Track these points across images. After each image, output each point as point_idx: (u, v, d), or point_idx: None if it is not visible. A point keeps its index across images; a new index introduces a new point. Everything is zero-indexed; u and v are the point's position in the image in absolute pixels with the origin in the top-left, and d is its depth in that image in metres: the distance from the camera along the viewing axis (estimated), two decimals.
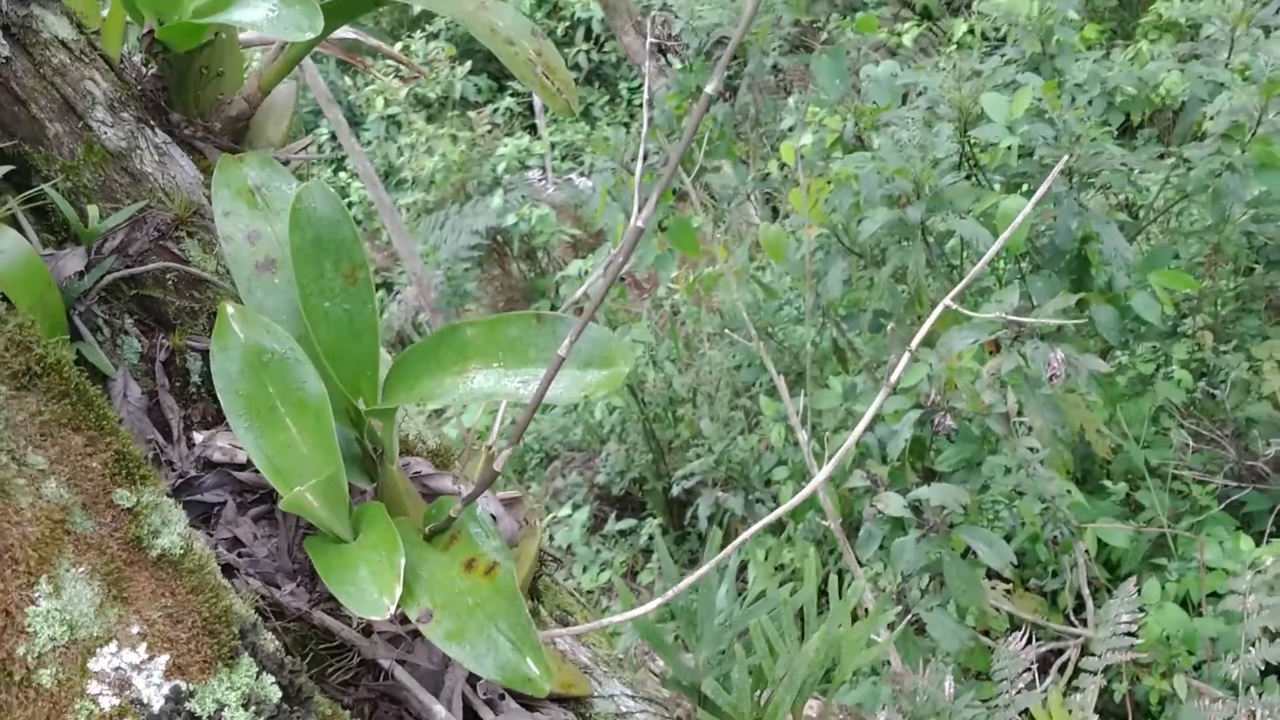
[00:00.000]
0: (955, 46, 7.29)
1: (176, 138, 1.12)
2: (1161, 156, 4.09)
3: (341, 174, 7.53)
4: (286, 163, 1.16)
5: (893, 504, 3.36)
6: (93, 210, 1.05)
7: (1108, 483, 3.93)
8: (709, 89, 0.78)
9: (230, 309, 0.89)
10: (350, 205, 7.80)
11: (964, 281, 1.33)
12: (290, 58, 1.14)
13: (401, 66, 7.69)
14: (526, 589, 1.03)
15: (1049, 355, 2.72)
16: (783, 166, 4.19)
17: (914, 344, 1.25)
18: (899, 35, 7.08)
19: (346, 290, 0.90)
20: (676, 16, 4.05)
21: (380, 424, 0.95)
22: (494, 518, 0.97)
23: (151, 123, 1.11)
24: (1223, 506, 3.84)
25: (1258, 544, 3.54)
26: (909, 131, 3.88)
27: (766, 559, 3.92)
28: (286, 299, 0.93)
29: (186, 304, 1.09)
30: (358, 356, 0.92)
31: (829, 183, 4.04)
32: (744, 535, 1.07)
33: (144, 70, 1.14)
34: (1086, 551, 3.47)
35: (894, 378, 1.22)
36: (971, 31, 7.12)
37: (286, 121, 1.17)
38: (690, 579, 0.99)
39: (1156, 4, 6.97)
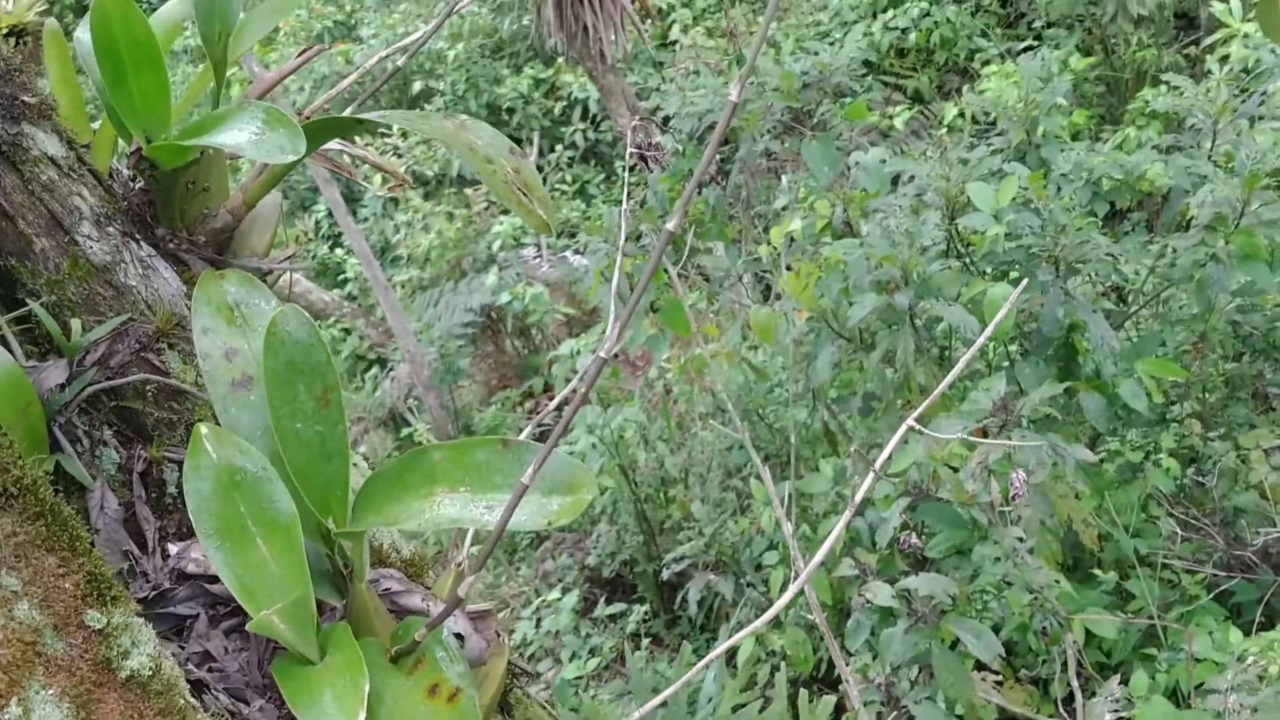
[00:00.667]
0: (946, 130, 7.42)
1: (161, 250, 1.14)
2: (1149, 242, 4.14)
3: (338, 250, 7.59)
4: (269, 273, 1.18)
5: (881, 594, 3.35)
6: (76, 324, 1.07)
7: (1097, 571, 3.92)
8: (669, 225, 0.81)
9: (204, 429, 0.91)
10: (346, 282, 7.86)
11: (950, 374, 1.35)
12: (275, 173, 1.17)
13: (399, 146, 7.79)
14: (494, 707, 1.03)
15: (1013, 475, 2.74)
16: (773, 250, 4.24)
17: (900, 434, 1.26)
18: (890, 119, 7.20)
19: (319, 413, 0.91)
20: (660, 125, 4.12)
21: (350, 544, 0.96)
22: (460, 638, 0.98)
23: (137, 236, 1.13)
24: (1212, 596, 3.83)
25: (1247, 634, 3.52)
26: (897, 219, 3.94)
27: (756, 644, 3.88)
28: (261, 417, 0.95)
29: (165, 415, 1.10)
30: (328, 477, 0.93)
31: (819, 266, 4.08)
32: (714, 652, 1.08)
33: (131, 184, 1.16)
34: (1076, 642, 3.45)
35: (879, 463, 1.23)
36: (961, 115, 7.24)
37: (270, 231, 1.20)
38: (659, 698, 0.99)
39: (1144, 91, 7.11)
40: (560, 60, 7.53)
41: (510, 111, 8.34)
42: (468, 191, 7.70)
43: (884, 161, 4.33)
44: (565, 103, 8.26)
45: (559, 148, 8.14)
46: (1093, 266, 3.91)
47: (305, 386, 0.91)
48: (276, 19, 1.29)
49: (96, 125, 1.25)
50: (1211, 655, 3.38)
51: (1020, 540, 3.41)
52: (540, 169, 8.17)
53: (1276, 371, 4.20)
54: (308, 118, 1.11)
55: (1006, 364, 4.08)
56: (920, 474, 3.67)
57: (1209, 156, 4.20)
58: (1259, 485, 3.93)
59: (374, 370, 7.53)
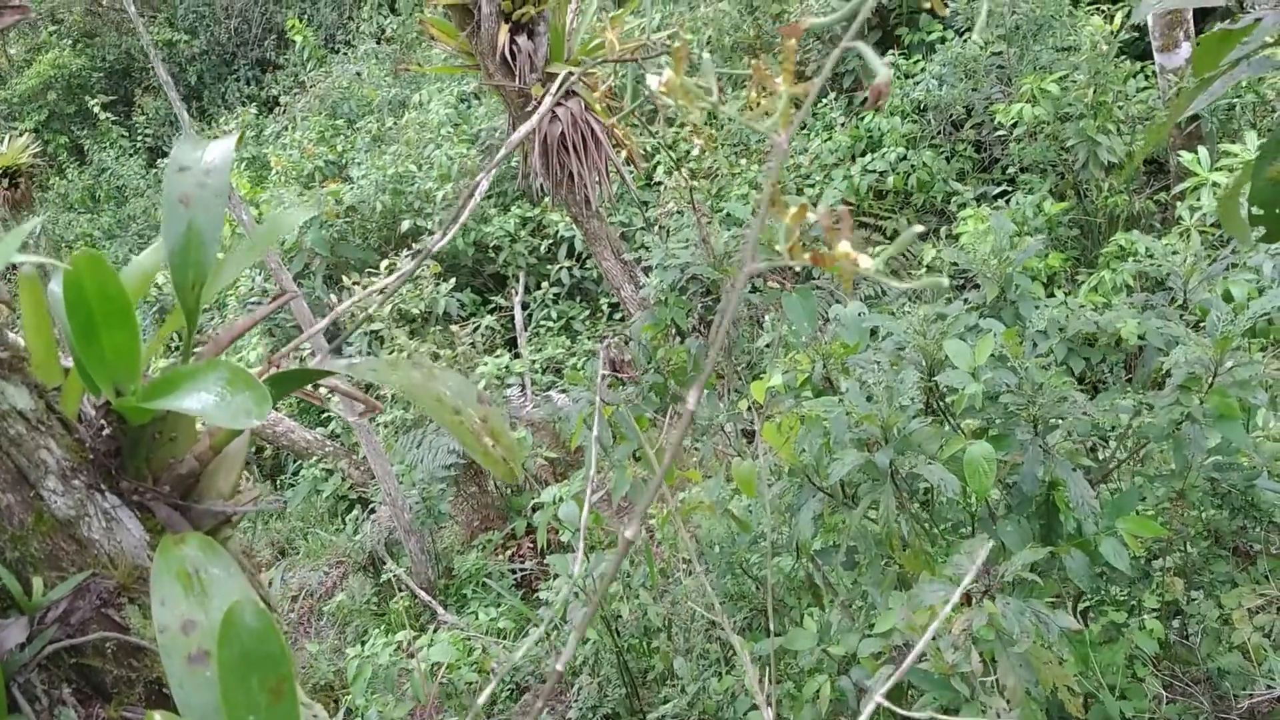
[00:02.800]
0: (925, 269, 7.54)
1: (126, 500, 1.15)
2: (1126, 396, 4.18)
3: (321, 389, 7.60)
4: (231, 517, 1.18)
5: None
6: (38, 582, 1.07)
7: None
8: (628, 534, 0.81)
9: (157, 718, 0.90)
10: (329, 420, 7.85)
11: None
12: None
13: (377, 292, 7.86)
14: None
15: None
16: (755, 404, 4.26)
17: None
18: (871, 257, 7.32)
19: (271, 706, 0.91)
20: (638, 281, 4.18)
21: None
22: None
23: (102, 486, 1.14)
24: None
25: None
26: (876, 375, 3.98)
27: None
28: (216, 697, 0.94)
29: (124, 673, 1.10)
30: None
31: (800, 419, 4.10)
32: None
33: (100, 431, 1.17)
34: None
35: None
36: (939, 256, 7.37)
37: (236, 473, 1.21)
38: None
39: (1116, 235, 7.25)
40: (547, 199, 7.67)
41: (497, 249, 8.46)
42: (454, 329, 7.75)
43: (862, 314, 4.39)
44: (551, 240, 8.38)
45: (545, 284, 8.23)
46: (1070, 424, 3.94)
47: (259, 679, 0.90)
48: (252, 260, 1.32)
49: (69, 361, 1.27)
50: None
51: (1006, 707, 3.37)
52: (526, 305, 8.25)
53: (1256, 528, 4.21)
54: (277, 366, 1.13)
55: (988, 516, 4.08)
56: (904, 638, 3.64)
57: (1181, 316, 4.28)
58: (1242, 645, 3.91)
59: (355, 510, 7.47)
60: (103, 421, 1.16)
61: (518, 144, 1.27)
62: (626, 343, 4.51)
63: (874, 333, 4.17)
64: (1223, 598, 4.00)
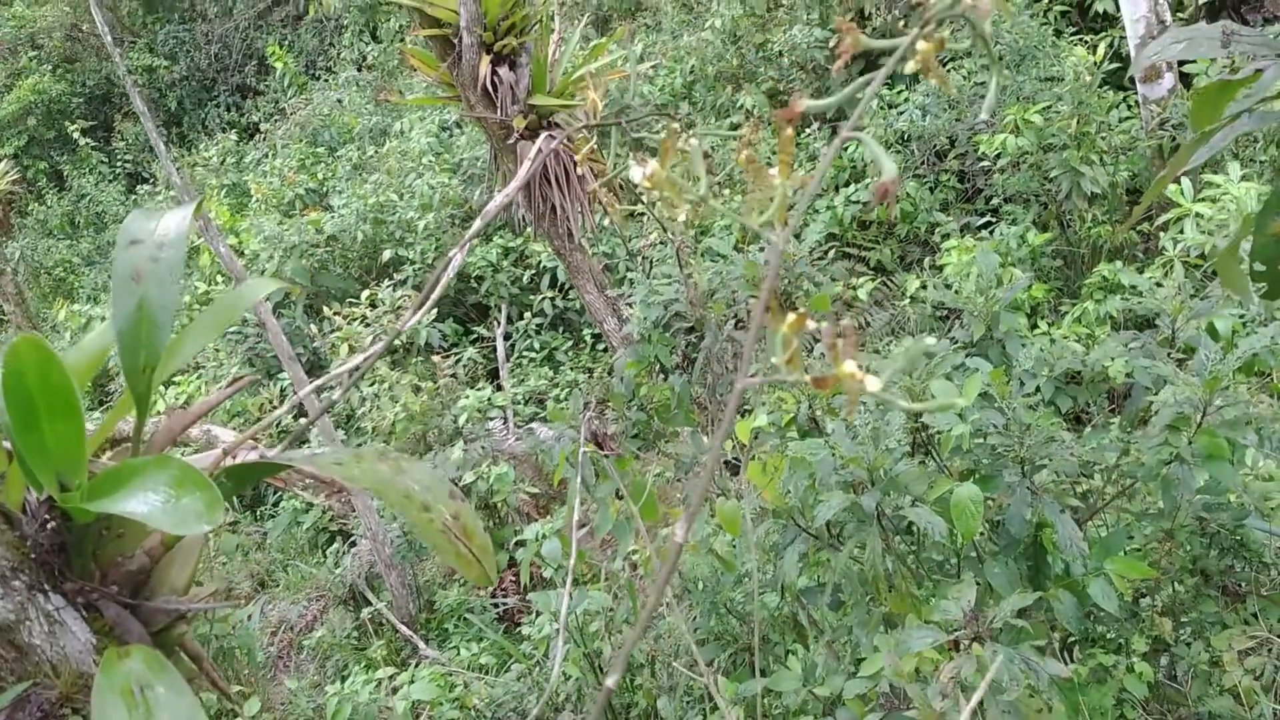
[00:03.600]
0: (908, 300, 7.50)
1: (71, 600, 1.08)
2: (1115, 438, 4.14)
3: (302, 419, 7.51)
4: (186, 614, 1.11)
5: None
6: None
7: None
8: (608, 683, 0.75)
9: None
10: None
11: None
12: None
13: (367, 316, 7.79)
14: None
15: None
16: (739, 445, 4.21)
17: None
18: (854, 289, 7.29)
19: None
20: (621, 319, 4.13)
21: None
22: None
23: (45, 586, 1.07)
24: None
25: None
26: (862, 416, 3.93)
27: None
28: None
29: None
30: None
31: (786, 462, 4.05)
32: None
33: (43, 523, 1.11)
34: None
35: None
36: (924, 286, 7.34)
37: (190, 567, 1.14)
38: None
39: (1100, 266, 7.24)
40: (529, 230, 7.62)
41: (479, 280, 8.40)
42: (436, 359, 7.67)
43: None
44: (534, 270, 8.32)
45: (527, 315, 8.17)
46: (1057, 464, 3.90)
47: None
48: (210, 338, 1.25)
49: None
50: None
51: None
52: (509, 336, 8.18)
53: (1245, 568, 4.16)
54: (233, 457, 1.06)
55: (974, 557, 4.03)
56: (890, 684, 3.58)
57: (1169, 354, 4.24)
58: (1233, 689, 3.86)
59: (336, 543, 7.37)
60: (46, 515, 1.09)
61: (495, 214, 1.22)
62: (604, 411, 4.47)
63: None
64: (1213, 639, 3.96)
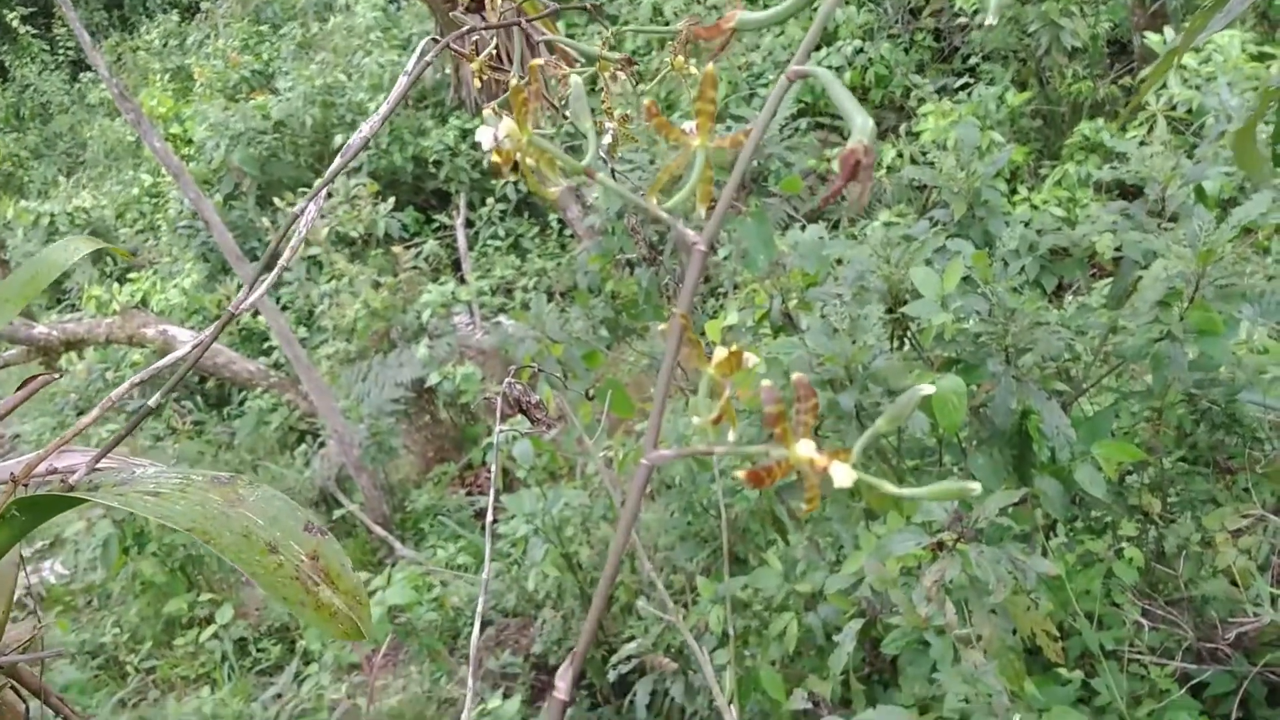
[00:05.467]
0: (885, 170, 7.23)
1: None
2: (1101, 309, 3.97)
3: (260, 318, 7.26)
4: None
5: None
6: None
7: (1062, 670, 3.71)
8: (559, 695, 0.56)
9: None
10: (272, 350, 7.53)
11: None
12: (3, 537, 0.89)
13: (325, 199, 7.47)
14: None
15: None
16: (711, 344, 4.00)
17: None
18: (828, 161, 7.01)
19: None
20: (585, 206, 3.88)
21: None
22: None
23: None
24: (1185, 689, 3.65)
25: None
26: (839, 309, 3.73)
27: None
28: None
29: None
30: None
31: (762, 358, 3.86)
32: None
33: None
34: None
35: None
36: (900, 155, 7.06)
37: (2, 605, 0.92)
38: None
39: (1080, 125, 6.97)
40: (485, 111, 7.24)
41: (437, 164, 8.04)
42: (397, 251, 7.40)
43: (822, 238, 4.12)
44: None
45: (490, 201, 7.85)
46: (1043, 348, 3.73)
47: None
48: (11, 313, 1.02)
49: None
50: None
51: (983, 660, 3.22)
52: (471, 223, 7.87)
53: (1238, 443, 4.02)
54: (24, 484, 0.84)
55: (957, 446, 3.90)
56: (873, 590, 3.46)
57: (1159, 225, 4.04)
58: (1227, 570, 3.76)
59: (305, 443, 7.20)
60: None
61: (358, 151, 0.97)
62: (533, 381, 4.23)
63: (840, 261, 3.90)
64: (1204, 519, 3.85)
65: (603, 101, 1.56)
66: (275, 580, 0.85)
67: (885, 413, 0.67)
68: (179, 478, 0.90)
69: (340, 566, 0.90)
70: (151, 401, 0.97)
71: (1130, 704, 3.63)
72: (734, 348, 0.64)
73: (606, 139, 1.50)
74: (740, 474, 0.58)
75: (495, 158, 0.73)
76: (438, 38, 1.34)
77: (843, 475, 0.55)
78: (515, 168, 0.75)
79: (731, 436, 0.74)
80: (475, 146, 8.14)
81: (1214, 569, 3.83)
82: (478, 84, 1.36)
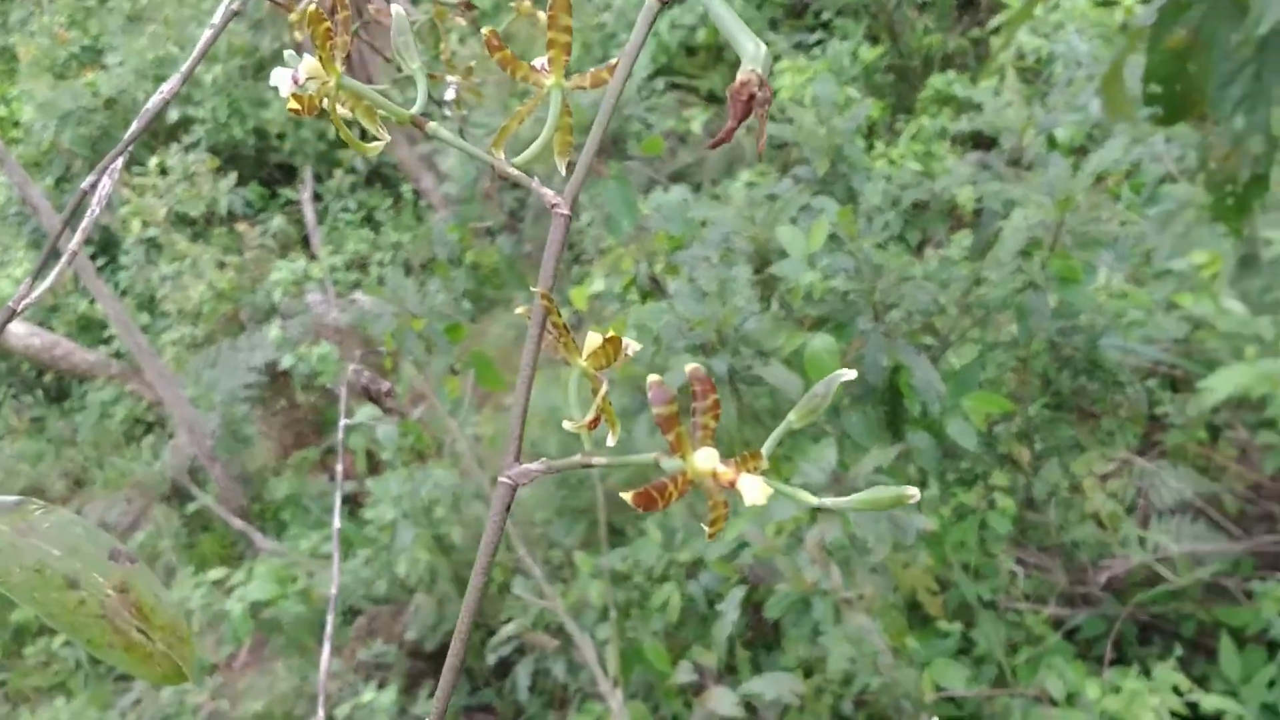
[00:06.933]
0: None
1: None
2: (967, 259, 3.97)
3: (97, 305, 6.84)
4: None
5: (724, 702, 3.07)
6: None
7: (942, 623, 3.73)
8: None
9: None
10: (111, 338, 7.11)
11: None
12: None
13: (158, 185, 7.08)
14: None
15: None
16: (577, 313, 3.88)
17: None
18: (687, 121, 6.92)
19: None
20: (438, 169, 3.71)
21: None
22: None
23: None
24: (1060, 634, 3.71)
25: (1100, 670, 3.42)
26: (707, 272, 3.64)
27: None
28: None
29: None
30: None
31: (630, 326, 3.76)
32: None
33: None
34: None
35: None
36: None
37: None
38: None
39: (932, 78, 7.02)
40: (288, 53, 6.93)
41: (281, 137, 7.68)
42: (241, 229, 7.04)
43: (686, 201, 4.03)
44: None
45: (338, 173, 7.53)
46: (910, 303, 3.71)
47: None
48: None
49: None
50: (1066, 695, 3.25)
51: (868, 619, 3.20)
52: (320, 197, 7.54)
53: (1100, 389, 4.08)
54: None
55: (832, 408, 3.85)
56: (755, 557, 3.41)
57: (1017, 175, 4.06)
58: (1095, 514, 3.82)
59: (153, 434, 6.84)
60: None
61: (155, 115, 0.81)
62: (384, 370, 4.05)
63: (704, 223, 3.81)
64: (1072, 465, 3.90)
65: (441, 53, 1.39)
66: (77, 621, 0.70)
67: (799, 404, 0.55)
68: None
69: (155, 598, 0.75)
70: None
71: (1008, 652, 3.67)
72: (610, 334, 0.51)
73: (449, 94, 1.35)
74: (627, 496, 0.45)
75: (294, 105, 0.59)
76: None
77: (754, 492, 0.44)
78: (324, 116, 0.61)
79: (612, 441, 0.62)
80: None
81: (1083, 514, 3.89)
82: (297, 37, 1.20)
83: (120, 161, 1.00)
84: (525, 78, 0.61)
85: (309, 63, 0.58)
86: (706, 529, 0.48)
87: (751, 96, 0.50)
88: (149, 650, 0.72)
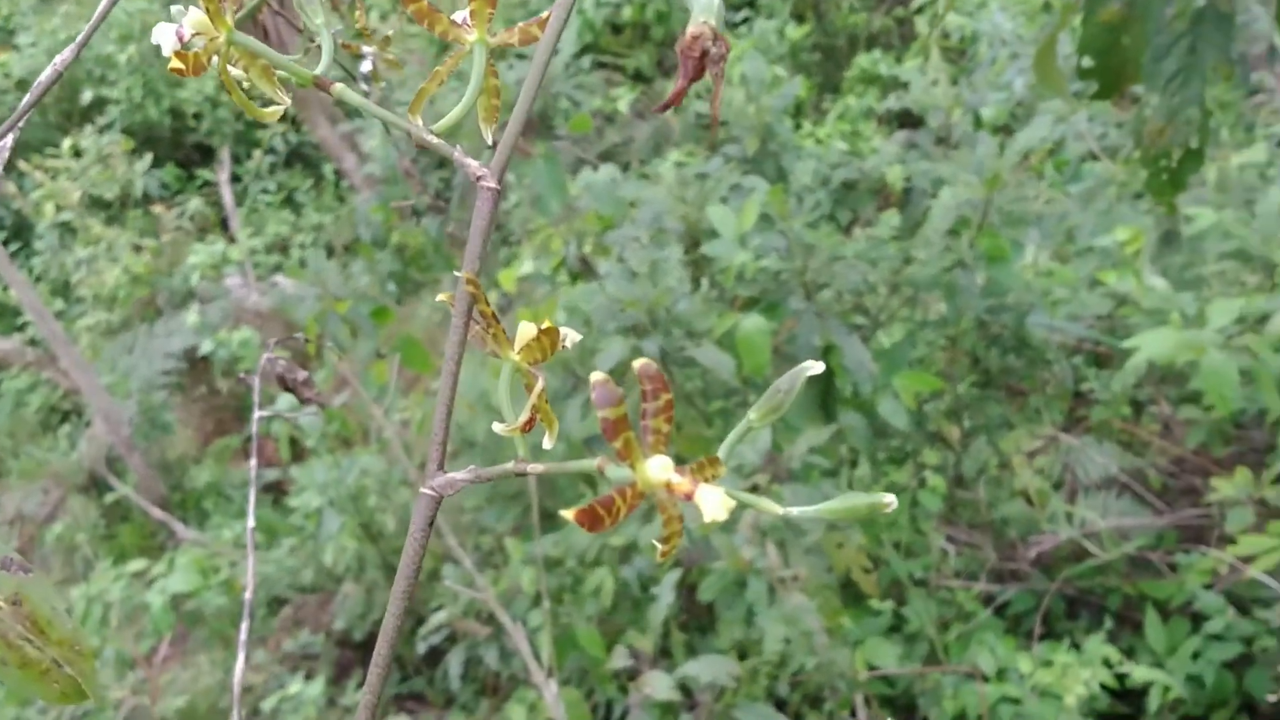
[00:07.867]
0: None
1: None
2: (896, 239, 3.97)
3: (12, 291, 6.62)
4: None
5: (659, 686, 3.04)
6: None
7: (874, 601, 3.74)
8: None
9: None
10: (26, 325, 6.88)
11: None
12: None
13: (71, 168, 6.86)
14: None
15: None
16: (505, 295, 3.82)
17: None
18: (614, 101, 6.85)
19: None
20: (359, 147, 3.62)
21: None
22: None
23: None
24: (990, 610, 3.74)
25: (1030, 645, 3.46)
26: (637, 252, 3.60)
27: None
28: None
29: None
30: None
31: (561, 308, 3.71)
32: None
33: None
34: (868, 701, 3.27)
35: None
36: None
37: None
38: None
39: (858, 58, 7.04)
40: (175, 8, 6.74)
41: (197, 117, 7.47)
42: (157, 211, 6.84)
43: (615, 180, 3.98)
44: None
45: (256, 153, 7.35)
46: (841, 282, 3.71)
47: None
48: None
49: None
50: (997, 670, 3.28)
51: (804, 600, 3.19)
52: (238, 178, 7.36)
53: (1027, 366, 4.12)
54: None
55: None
56: (690, 539, 3.39)
57: (945, 154, 4.07)
58: (1024, 491, 3.86)
59: (70, 423, 6.63)
60: None
61: (48, 87, 0.75)
62: (306, 356, 3.95)
63: (634, 203, 3.76)
64: (1000, 442, 3.93)
65: (357, 19, 1.33)
66: None
67: (760, 402, 0.51)
68: None
69: (52, 611, 0.69)
70: None
71: (939, 628, 3.69)
72: (546, 324, 0.47)
73: (366, 65, 1.29)
74: (569, 514, 0.41)
75: (177, 64, 0.53)
76: None
77: (715, 506, 0.39)
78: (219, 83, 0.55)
79: (549, 443, 0.57)
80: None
81: (1012, 490, 3.92)
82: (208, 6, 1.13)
83: (10, 139, 0.94)
84: (445, 34, 0.56)
85: (195, 16, 0.52)
86: (659, 546, 0.44)
87: (705, 53, 0.46)
88: (45, 667, 0.66)
